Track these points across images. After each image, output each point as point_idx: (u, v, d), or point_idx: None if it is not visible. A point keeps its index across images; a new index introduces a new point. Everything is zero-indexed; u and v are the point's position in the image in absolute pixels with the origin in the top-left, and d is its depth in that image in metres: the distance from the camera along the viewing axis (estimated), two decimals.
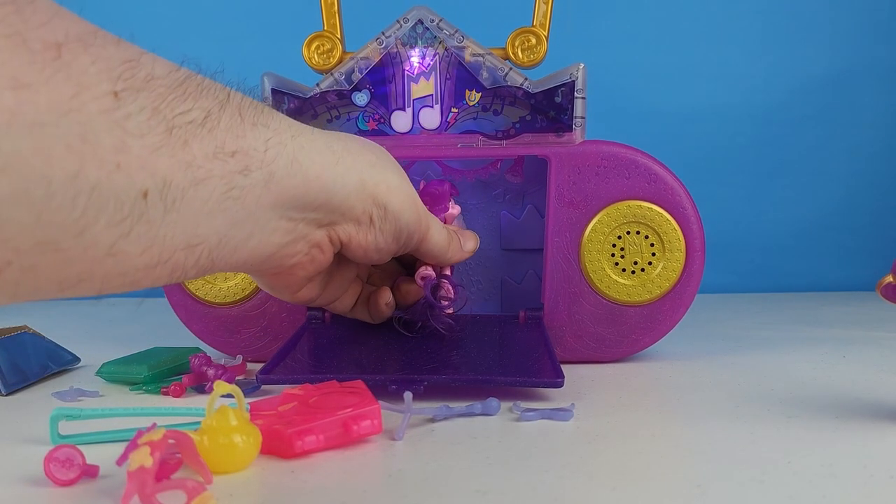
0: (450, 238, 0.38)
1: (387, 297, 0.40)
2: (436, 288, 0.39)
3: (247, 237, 0.27)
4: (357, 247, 0.33)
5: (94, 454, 0.28)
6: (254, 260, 0.29)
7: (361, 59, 0.45)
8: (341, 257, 0.35)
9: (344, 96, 0.45)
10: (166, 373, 0.41)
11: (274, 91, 0.44)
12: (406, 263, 0.43)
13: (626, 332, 0.44)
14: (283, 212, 0.29)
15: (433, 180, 0.42)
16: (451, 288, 0.40)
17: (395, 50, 0.44)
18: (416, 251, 0.36)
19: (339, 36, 0.46)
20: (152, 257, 0.23)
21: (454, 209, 0.42)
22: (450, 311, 0.40)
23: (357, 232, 0.32)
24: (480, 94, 0.44)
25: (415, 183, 0.37)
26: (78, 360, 0.46)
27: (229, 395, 0.28)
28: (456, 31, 0.44)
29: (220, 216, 0.25)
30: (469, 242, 0.40)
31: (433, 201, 0.40)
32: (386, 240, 0.33)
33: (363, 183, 0.31)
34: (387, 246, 0.34)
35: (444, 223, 0.40)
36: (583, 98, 0.44)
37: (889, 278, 0.32)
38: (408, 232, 0.34)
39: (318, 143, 0.30)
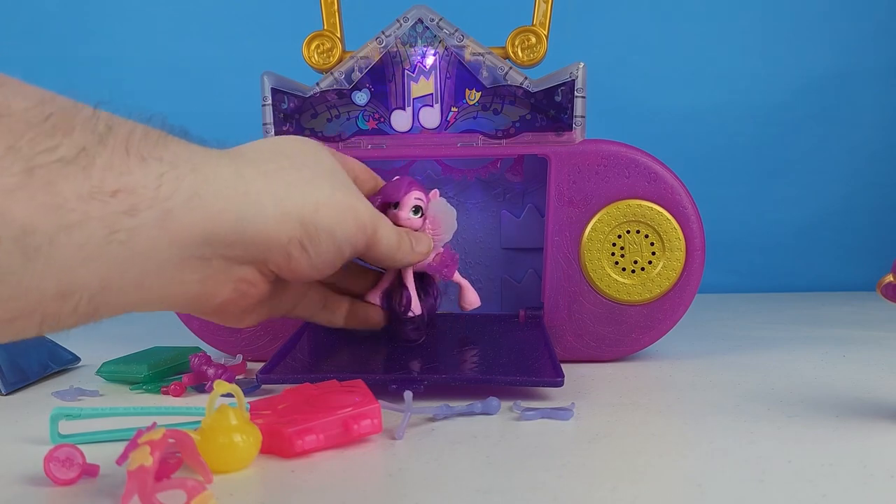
0: (400, 240, 0.34)
1: (375, 315, 0.39)
2: (391, 297, 0.38)
3: (139, 279, 0.24)
4: (292, 274, 0.29)
5: (94, 453, 0.28)
6: (158, 301, 0.26)
7: (361, 58, 0.45)
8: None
9: (344, 95, 0.45)
10: (166, 372, 0.41)
11: (274, 90, 0.44)
12: None
13: (626, 332, 0.44)
14: (190, 251, 0.25)
15: (393, 179, 0.39)
16: (408, 296, 0.37)
17: (395, 49, 0.44)
18: (364, 256, 0.33)
19: (338, 35, 0.46)
20: (11, 310, 0.21)
21: (432, 193, 0.39)
22: (412, 317, 0.38)
23: (288, 262, 0.29)
24: (480, 93, 0.44)
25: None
26: (78, 359, 0.46)
27: (229, 395, 0.28)
28: (456, 31, 0.44)
29: (101, 261, 0.22)
30: (421, 244, 0.36)
31: (387, 199, 0.37)
32: (325, 259, 0.30)
33: (283, 208, 0.27)
34: (328, 264, 0.30)
35: (400, 223, 0.37)
36: (583, 97, 0.44)
37: (889, 278, 0.32)
38: (350, 244, 0.31)
39: (225, 172, 0.26)
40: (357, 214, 0.31)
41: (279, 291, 0.32)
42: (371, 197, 0.37)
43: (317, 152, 0.31)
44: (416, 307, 0.38)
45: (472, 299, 0.40)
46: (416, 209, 0.37)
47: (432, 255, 0.38)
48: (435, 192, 0.39)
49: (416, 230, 0.38)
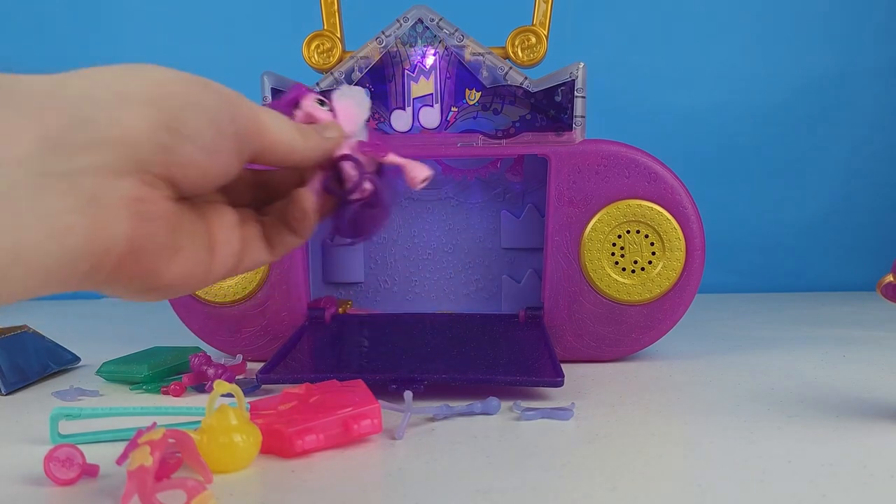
0: (300, 130, 0.28)
1: (306, 199, 0.28)
2: (336, 179, 0.29)
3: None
4: (184, 171, 0.23)
5: (94, 453, 0.28)
6: (42, 256, 0.19)
7: (361, 58, 0.45)
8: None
9: None
10: (166, 372, 0.41)
11: (274, 90, 0.44)
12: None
13: (627, 332, 0.44)
14: (35, 166, 0.19)
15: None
16: (352, 166, 0.29)
17: (395, 49, 0.44)
18: (262, 157, 0.26)
19: (338, 35, 0.46)
20: None
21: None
22: (362, 193, 0.29)
23: (168, 155, 0.23)
24: (480, 93, 0.44)
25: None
26: (78, 359, 0.46)
27: (230, 395, 0.28)
28: (456, 31, 0.44)
29: None
30: (329, 130, 0.29)
31: (282, 105, 0.30)
32: (206, 140, 0.23)
33: (120, 93, 0.22)
34: (215, 148, 0.24)
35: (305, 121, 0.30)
36: (583, 97, 0.44)
37: (889, 278, 0.32)
38: (227, 119, 0.24)
39: (42, 78, 0.21)
40: (215, 86, 0.25)
41: (191, 216, 0.25)
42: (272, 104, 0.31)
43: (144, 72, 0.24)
44: (364, 181, 0.29)
45: (418, 172, 0.31)
46: (321, 102, 0.30)
47: (352, 143, 0.30)
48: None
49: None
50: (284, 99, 0.30)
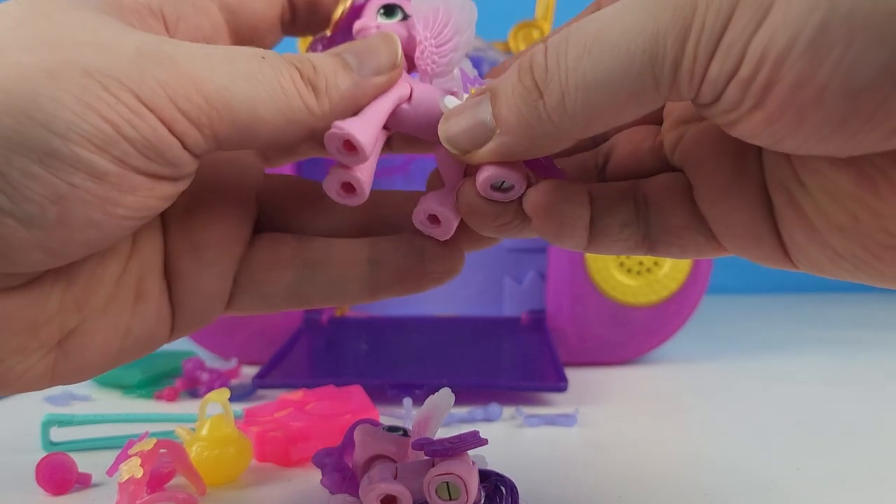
0: (274, 70, 0.16)
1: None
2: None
3: None
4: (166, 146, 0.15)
5: (86, 462, 0.27)
6: None
7: None
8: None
9: None
10: (159, 376, 0.41)
11: None
12: None
13: (632, 334, 0.43)
14: None
15: None
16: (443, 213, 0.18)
17: None
18: (251, 134, 0.16)
19: (336, 32, 0.45)
20: None
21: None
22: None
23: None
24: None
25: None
26: None
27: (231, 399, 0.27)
28: None
29: None
30: (341, 75, 0.17)
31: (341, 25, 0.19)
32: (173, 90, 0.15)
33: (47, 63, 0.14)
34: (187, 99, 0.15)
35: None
36: None
37: None
38: (173, 87, 0.15)
39: None
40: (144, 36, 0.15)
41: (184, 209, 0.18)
42: (313, 41, 0.20)
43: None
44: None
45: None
46: (389, 8, 0.18)
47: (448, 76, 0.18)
48: None
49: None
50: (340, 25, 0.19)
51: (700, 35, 0.13)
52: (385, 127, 0.17)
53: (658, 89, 0.14)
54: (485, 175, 0.16)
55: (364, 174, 0.17)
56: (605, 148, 0.20)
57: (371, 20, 0.18)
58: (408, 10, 0.18)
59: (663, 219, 0.18)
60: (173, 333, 0.18)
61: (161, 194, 0.16)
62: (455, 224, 0.18)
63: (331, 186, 0.17)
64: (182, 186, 0.16)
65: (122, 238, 0.16)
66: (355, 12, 0.18)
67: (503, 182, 0.17)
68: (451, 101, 0.17)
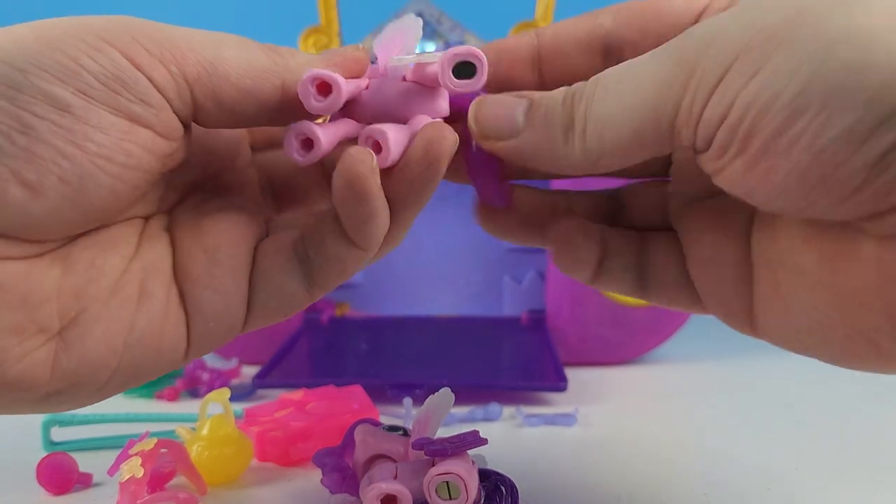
0: (263, 48, 0.17)
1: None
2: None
3: None
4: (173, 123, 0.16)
5: (86, 461, 0.27)
6: None
7: None
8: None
9: None
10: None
11: None
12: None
13: (632, 334, 0.43)
14: None
15: None
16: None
17: None
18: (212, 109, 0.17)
19: (336, 30, 0.45)
20: None
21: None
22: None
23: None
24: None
25: None
26: None
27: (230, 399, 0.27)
28: (456, 25, 0.44)
29: None
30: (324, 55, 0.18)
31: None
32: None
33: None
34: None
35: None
36: None
37: None
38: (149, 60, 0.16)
39: None
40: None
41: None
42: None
43: None
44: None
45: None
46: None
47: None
48: None
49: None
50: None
51: (699, 82, 0.15)
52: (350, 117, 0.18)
53: (661, 131, 0.16)
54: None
55: (323, 131, 0.17)
56: (622, 194, 0.22)
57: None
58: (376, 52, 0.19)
59: (658, 273, 0.20)
60: (190, 347, 0.18)
61: (143, 142, 0.16)
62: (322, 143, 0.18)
63: (290, 143, 0.17)
64: (171, 146, 0.17)
65: (111, 196, 0.16)
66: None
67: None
68: (396, 58, 0.18)
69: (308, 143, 0.17)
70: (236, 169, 0.20)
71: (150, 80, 0.15)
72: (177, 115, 0.16)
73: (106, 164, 0.15)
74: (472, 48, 0.18)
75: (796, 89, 0.13)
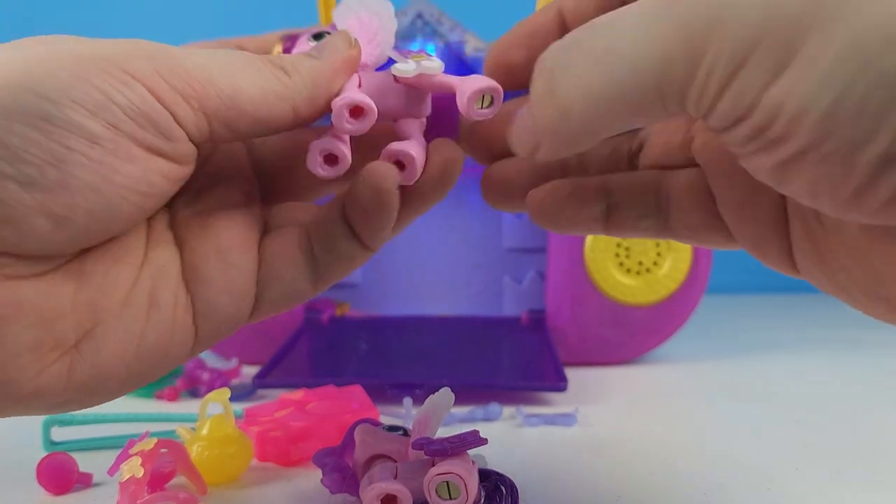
0: (273, 64, 0.18)
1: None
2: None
3: None
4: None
5: (87, 461, 0.27)
6: None
7: None
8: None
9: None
10: None
11: None
12: None
13: (631, 334, 0.43)
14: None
15: None
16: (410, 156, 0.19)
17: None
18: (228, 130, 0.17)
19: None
20: None
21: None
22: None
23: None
24: None
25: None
26: None
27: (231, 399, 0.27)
28: (456, 25, 0.44)
29: None
30: (327, 46, 0.19)
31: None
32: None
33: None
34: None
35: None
36: None
37: None
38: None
39: None
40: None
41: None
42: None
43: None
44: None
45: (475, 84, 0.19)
46: (318, 35, 0.20)
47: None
48: None
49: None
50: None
51: (711, 70, 0.13)
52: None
53: (665, 108, 0.14)
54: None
55: (346, 147, 0.18)
56: (642, 134, 0.21)
57: (304, 47, 0.19)
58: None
59: (683, 215, 0.19)
60: (196, 345, 0.18)
61: (163, 171, 0.16)
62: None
63: (314, 159, 0.18)
64: (185, 170, 0.17)
65: (128, 220, 0.17)
66: (288, 52, 0.20)
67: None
68: (401, 66, 0.18)
69: (332, 159, 0.18)
70: (230, 152, 0.20)
71: (174, 115, 0.16)
72: (193, 143, 0.17)
73: (130, 194, 0.16)
74: (492, 82, 0.18)
75: (832, 96, 0.12)
